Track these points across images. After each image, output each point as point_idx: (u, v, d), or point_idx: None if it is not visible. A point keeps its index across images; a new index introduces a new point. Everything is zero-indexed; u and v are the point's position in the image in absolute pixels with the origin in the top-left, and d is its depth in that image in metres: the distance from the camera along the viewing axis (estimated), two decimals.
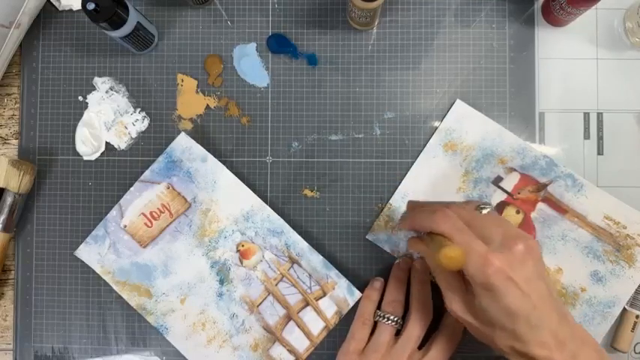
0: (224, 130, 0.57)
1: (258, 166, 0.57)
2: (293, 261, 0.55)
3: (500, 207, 0.55)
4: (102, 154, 0.57)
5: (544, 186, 0.54)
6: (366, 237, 0.55)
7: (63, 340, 0.56)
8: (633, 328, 0.53)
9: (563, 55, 0.56)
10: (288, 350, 0.54)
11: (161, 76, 0.57)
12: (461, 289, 0.43)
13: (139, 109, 0.57)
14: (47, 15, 0.58)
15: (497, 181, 0.55)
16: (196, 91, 0.57)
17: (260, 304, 0.55)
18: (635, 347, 0.54)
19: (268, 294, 0.55)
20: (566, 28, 0.56)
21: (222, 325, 0.55)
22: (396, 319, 0.50)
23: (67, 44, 0.58)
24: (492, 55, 0.56)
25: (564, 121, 0.56)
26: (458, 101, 0.56)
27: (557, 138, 0.56)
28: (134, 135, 0.57)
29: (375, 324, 0.51)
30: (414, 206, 0.49)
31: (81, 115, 0.57)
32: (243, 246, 0.55)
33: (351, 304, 0.54)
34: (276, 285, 0.55)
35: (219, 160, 0.55)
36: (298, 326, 0.54)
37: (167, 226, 0.55)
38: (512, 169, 0.55)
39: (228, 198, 0.55)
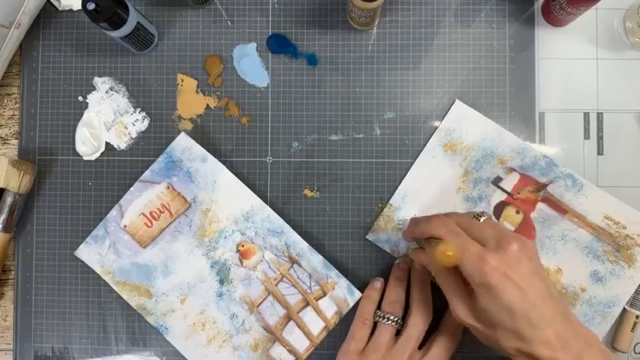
0: (224, 130, 0.57)
1: (258, 166, 0.57)
2: (293, 261, 0.55)
3: (500, 207, 0.55)
4: (102, 154, 0.57)
5: (544, 186, 0.54)
6: (366, 237, 0.55)
7: (63, 340, 0.56)
8: (633, 328, 0.53)
9: (563, 55, 0.56)
10: (288, 350, 0.54)
11: (161, 76, 0.57)
12: (464, 295, 0.44)
13: (139, 109, 0.57)
14: (47, 15, 0.58)
15: (496, 181, 0.55)
16: (196, 91, 0.57)
17: (260, 304, 0.55)
18: (635, 347, 0.54)
19: (268, 294, 0.55)
20: (566, 28, 0.56)
21: (222, 325, 0.55)
22: (396, 319, 0.50)
23: (67, 44, 0.58)
24: (492, 55, 0.56)
25: (564, 121, 0.56)
26: (457, 101, 0.56)
27: (557, 138, 0.56)
28: (134, 135, 0.57)
29: (375, 324, 0.51)
30: (415, 219, 0.50)
31: (81, 115, 0.57)
32: (243, 246, 0.55)
33: (351, 304, 0.54)
34: (276, 285, 0.55)
35: (219, 160, 0.55)
36: (298, 326, 0.54)
37: (167, 226, 0.55)
38: (511, 169, 0.55)
39: (228, 198, 0.55)
